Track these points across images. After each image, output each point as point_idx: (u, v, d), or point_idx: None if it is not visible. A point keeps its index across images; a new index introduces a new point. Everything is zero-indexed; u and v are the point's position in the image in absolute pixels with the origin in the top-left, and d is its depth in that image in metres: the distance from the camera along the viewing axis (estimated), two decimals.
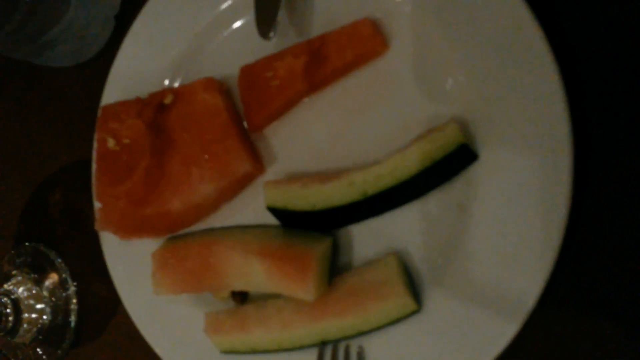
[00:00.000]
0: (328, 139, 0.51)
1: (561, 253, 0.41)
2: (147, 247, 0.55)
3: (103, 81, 0.59)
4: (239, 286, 0.51)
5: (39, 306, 0.62)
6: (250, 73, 0.52)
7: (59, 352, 0.63)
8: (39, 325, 0.62)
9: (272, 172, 0.53)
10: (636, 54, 0.43)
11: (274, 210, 0.50)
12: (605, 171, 0.44)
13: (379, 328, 0.46)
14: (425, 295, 0.46)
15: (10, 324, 0.60)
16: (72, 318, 0.63)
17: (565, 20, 0.45)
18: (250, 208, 0.53)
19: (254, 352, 0.50)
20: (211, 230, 0.55)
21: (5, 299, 0.60)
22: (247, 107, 0.52)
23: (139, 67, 0.57)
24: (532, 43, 0.42)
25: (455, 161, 0.44)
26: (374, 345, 0.47)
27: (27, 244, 0.66)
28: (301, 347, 0.49)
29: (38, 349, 0.63)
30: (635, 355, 0.42)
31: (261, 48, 0.52)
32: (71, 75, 0.66)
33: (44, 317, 0.62)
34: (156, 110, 0.53)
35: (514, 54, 0.43)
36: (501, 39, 0.44)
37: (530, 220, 0.42)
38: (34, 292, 0.63)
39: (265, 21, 0.50)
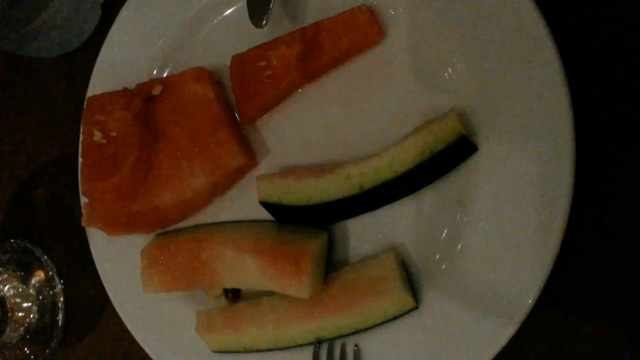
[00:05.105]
0: (323, 131, 0.50)
1: (561, 251, 0.40)
2: (135, 243, 0.54)
3: (89, 71, 0.57)
4: (231, 283, 0.49)
5: (25, 305, 0.61)
6: (242, 63, 0.50)
7: (47, 351, 0.62)
8: (26, 324, 0.61)
9: (265, 166, 0.52)
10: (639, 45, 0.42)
11: (267, 205, 0.49)
12: (608, 166, 0.43)
13: (375, 326, 0.45)
14: (423, 292, 0.45)
15: None
16: (60, 316, 0.62)
17: (569, 11, 0.44)
18: (243, 203, 0.52)
19: (246, 351, 0.49)
20: (202, 226, 0.53)
21: None
22: (239, 98, 0.51)
23: (127, 57, 0.56)
24: (534, 32, 0.41)
25: (454, 153, 0.43)
26: (370, 344, 0.46)
27: (12, 240, 0.64)
28: (296, 346, 0.48)
29: (26, 349, 0.62)
30: (633, 355, 0.41)
31: (254, 36, 0.51)
32: (57, 66, 0.64)
33: (31, 315, 0.61)
34: (144, 101, 0.52)
35: (515, 42, 0.42)
36: (502, 27, 0.43)
37: (530, 216, 0.41)
38: (20, 290, 0.62)
39: (258, 8, 0.49)
